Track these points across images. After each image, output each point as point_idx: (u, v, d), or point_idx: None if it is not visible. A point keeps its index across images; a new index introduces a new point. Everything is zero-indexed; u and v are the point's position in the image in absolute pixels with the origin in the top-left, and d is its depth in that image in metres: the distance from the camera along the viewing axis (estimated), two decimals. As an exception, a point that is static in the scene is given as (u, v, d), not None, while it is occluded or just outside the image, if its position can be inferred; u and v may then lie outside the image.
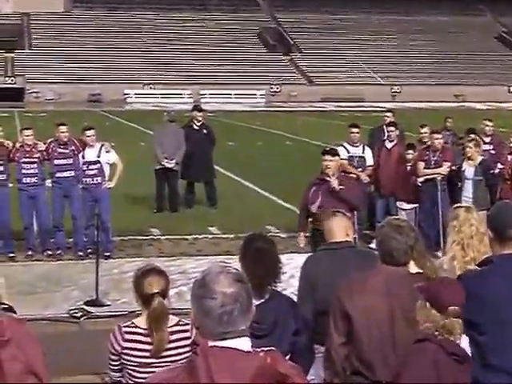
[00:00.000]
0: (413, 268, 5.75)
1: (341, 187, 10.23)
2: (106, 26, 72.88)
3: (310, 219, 10.54)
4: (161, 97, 63.28)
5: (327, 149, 10.93)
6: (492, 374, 4.62)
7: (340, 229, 6.23)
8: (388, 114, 16.29)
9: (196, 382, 2.86)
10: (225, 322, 2.95)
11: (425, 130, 14.95)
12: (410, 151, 14.17)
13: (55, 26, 71.85)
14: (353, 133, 14.28)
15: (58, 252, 13.27)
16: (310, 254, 7.27)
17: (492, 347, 4.62)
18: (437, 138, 13.75)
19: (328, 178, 10.30)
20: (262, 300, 5.11)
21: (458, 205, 6.68)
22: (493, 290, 4.66)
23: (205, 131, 17.50)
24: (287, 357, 4.90)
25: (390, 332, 4.91)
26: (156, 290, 4.96)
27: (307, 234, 10.67)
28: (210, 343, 2.92)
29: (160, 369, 4.93)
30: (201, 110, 17.95)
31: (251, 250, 5.22)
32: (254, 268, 5.11)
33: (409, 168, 13.95)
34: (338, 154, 10.81)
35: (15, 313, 4.80)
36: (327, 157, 10.43)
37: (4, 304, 4.94)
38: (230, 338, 2.95)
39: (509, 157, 14.21)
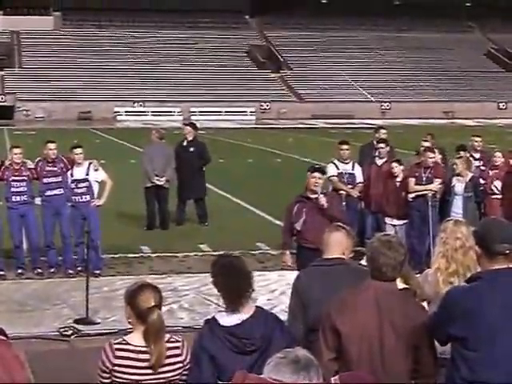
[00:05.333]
0: (399, 284, 5.75)
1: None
2: (95, 44, 72.90)
3: (294, 237, 10.52)
4: (151, 114, 63.37)
5: (316, 166, 10.89)
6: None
7: (337, 245, 6.13)
8: (382, 130, 16.25)
9: None
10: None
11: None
12: (395, 164, 13.94)
13: (45, 43, 71.93)
14: (342, 150, 14.30)
15: (52, 270, 13.22)
16: (301, 270, 7.23)
17: (482, 363, 4.61)
18: (429, 155, 13.75)
19: (314, 195, 10.25)
20: (247, 316, 5.11)
21: (449, 218, 6.71)
22: (484, 306, 4.65)
23: (193, 148, 17.44)
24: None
25: (379, 347, 4.91)
26: (153, 304, 4.97)
27: (293, 251, 10.65)
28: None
29: None
30: (195, 127, 17.91)
31: (218, 269, 5.24)
32: (224, 284, 5.15)
33: (398, 184, 13.84)
34: (325, 173, 10.79)
35: (6, 336, 4.68)
36: (316, 174, 10.37)
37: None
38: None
39: (490, 172, 14.25)
